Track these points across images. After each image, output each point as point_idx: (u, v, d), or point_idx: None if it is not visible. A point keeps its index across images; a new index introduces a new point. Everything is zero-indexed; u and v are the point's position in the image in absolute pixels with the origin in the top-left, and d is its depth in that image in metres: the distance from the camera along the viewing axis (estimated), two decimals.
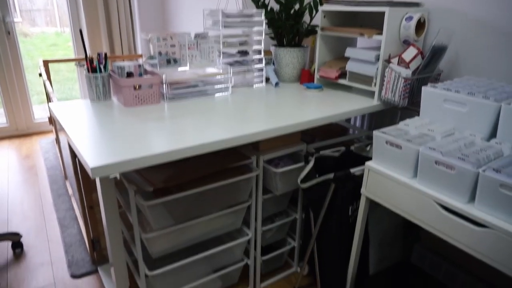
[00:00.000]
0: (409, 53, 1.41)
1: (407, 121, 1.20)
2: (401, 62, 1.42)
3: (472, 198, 0.92)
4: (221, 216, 1.36)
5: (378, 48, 1.53)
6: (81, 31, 1.47)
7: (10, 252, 1.82)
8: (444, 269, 1.30)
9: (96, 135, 1.11)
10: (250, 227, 1.47)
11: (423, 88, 1.20)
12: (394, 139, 1.06)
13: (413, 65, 1.41)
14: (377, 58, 1.49)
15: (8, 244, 1.86)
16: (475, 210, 0.90)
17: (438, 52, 1.41)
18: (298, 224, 1.61)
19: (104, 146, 1.03)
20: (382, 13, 1.42)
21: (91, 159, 0.94)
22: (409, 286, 1.24)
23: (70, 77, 6.57)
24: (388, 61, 1.45)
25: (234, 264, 1.51)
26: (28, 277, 1.65)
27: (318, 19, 1.72)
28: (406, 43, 1.48)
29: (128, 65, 1.45)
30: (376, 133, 1.12)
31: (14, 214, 2.14)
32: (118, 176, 1.22)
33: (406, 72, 1.39)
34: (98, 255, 1.74)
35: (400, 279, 1.27)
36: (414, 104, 1.53)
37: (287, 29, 1.80)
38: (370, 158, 1.18)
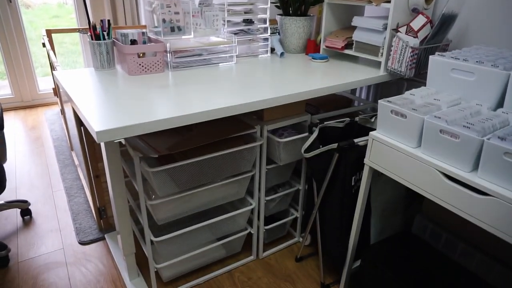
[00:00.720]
0: (418, 21, 1.37)
1: (413, 90, 1.18)
2: (409, 31, 1.39)
3: (475, 167, 0.92)
4: (225, 185, 1.37)
5: (386, 17, 1.49)
6: None
7: (19, 218, 1.86)
8: (444, 238, 1.32)
9: (101, 102, 1.11)
10: (254, 197, 1.49)
11: (431, 57, 1.18)
12: (399, 108, 1.06)
13: (422, 34, 1.38)
14: (385, 27, 1.45)
15: (17, 211, 1.90)
16: (478, 179, 0.90)
17: (447, 20, 1.38)
18: (301, 195, 1.63)
19: (109, 112, 1.03)
20: None
21: (97, 124, 0.94)
22: (409, 255, 1.26)
23: (74, 49, 6.52)
24: (396, 30, 1.42)
25: (237, 233, 1.54)
26: (37, 242, 1.70)
27: None
28: (415, 12, 1.44)
29: (131, 32, 1.43)
30: (381, 102, 1.11)
31: (22, 183, 2.18)
32: (123, 141, 1.23)
33: (414, 41, 1.36)
34: (104, 223, 1.78)
35: (400, 248, 1.29)
36: (421, 76, 1.51)
37: None
38: (374, 129, 1.17)
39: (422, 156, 1.01)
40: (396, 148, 1.08)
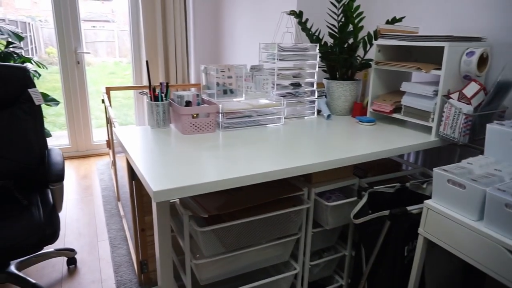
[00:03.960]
0: (471, 88, 1.36)
1: (471, 159, 1.14)
2: (461, 97, 1.37)
3: None
4: (270, 247, 1.34)
5: (435, 83, 1.50)
6: (147, 62, 1.58)
7: (65, 267, 1.91)
8: None
9: (157, 160, 1.16)
10: (298, 260, 1.44)
11: (488, 126, 1.15)
12: (457, 178, 1.02)
13: (475, 101, 1.35)
14: (436, 93, 1.45)
15: (63, 259, 1.96)
16: None
17: (503, 88, 1.35)
18: (347, 261, 1.55)
19: (164, 171, 1.08)
20: (440, 48, 1.40)
21: (154, 183, 0.98)
22: None
23: (126, 103, 7.01)
24: (447, 96, 1.41)
25: None
26: None
27: (371, 53, 1.73)
28: (467, 79, 1.43)
29: (187, 94, 1.52)
30: (436, 170, 1.07)
31: (70, 231, 2.26)
32: (177, 201, 1.26)
33: (468, 108, 1.34)
34: (145, 277, 1.78)
35: None
36: (475, 142, 1.46)
37: (340, 62, 1.82)
38: (427, 196, 1.13)
39: (485, 230, 0.94)
40: (454, 220, 1.02)
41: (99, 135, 3.76)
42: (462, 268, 1.36)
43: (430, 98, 1.48)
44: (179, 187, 0.98)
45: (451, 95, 1.41)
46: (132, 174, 1.61)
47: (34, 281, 1.65)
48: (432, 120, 1.47)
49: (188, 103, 1.52)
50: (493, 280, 1.25)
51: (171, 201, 1.31)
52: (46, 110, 6.01)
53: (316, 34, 1.88)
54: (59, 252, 1.88)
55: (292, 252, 1.43)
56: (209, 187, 1.03)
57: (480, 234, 0.95)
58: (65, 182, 3.01)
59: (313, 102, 1.80)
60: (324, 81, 1.90)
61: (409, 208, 1.23)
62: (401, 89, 1.59)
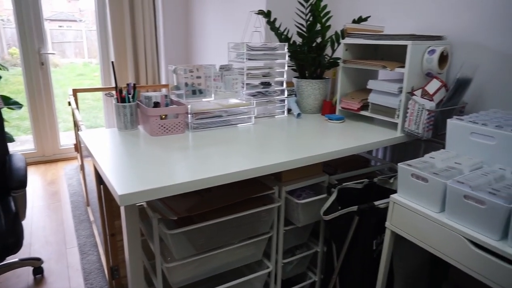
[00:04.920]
0: (433, 85, 1.41)
1: (433, 153, 1.18)
2: (424, 94, 1.42)
3: (505, 235, 0.89)
4: (242, 247, 1.34)
5: (400, 80, 1.54)
6: (113, 64, 1.54)
7: (31, 277, 1.83)
8: None
9: (124, 163, 1.14)
10: (271, 259, 1.44)
11: (449, 121, 1.19)
12: (420, 172, 1.05)
13: (437, 97, 1.40)
14: (400, 90, 1.49)
15: (29, 269, 1.88)
16: (508, 248, 0.86)
17: (462, 84, 1.41)
18: (319, 257, 1.57)
19: (131, 174, 1.05)
20: (404, 46, 1.44)
21: (120, 186, 0.96)
22: None
23: (95, 105, 6.82)
24: (411, 93, 1.46)
25: None
26: None
27: (339, 52, 1.76)
28: (429, 76, 1.48)
29: (155, 95, 1.50)
30: (401, 165, 1.11)
31: (36, 240, 2.17)
32: (145, 204, 1.23)
33: (430, 104, 1.38)
34: (116, 283, 1.74)
35: None
36: (438, 137, 1.51)
37: (309, 61, 1.84)
38: (394, 191, 1.16)
39: (447, 221, 0.98)
40: (418, 213, 1.05)
41: (67, 139, 3.63)
42: (429, 259, 1.41)
43: (395, 95, 1.52)
44: (146, 190, 0.96)
45: (415, 92, 1.45)
46: (100, 178, 1.56)
47: None
48: (398, 117, 1.52)
49: (157, 104, 1.49)
50: (456, 269, 1.30)
51: (139, 204, 1.29)
52: (9, 114, 5.75)
53: (285, 33, 1.89)
54: (24, 262, 1.81)
55: (265, 250, 1.43)
56: (178, 188, 1.01)
57: (443, 225, 0.99)
58: (31, 188, 2.89)
59: (283, 101, 1.81)
60: (294, 80, 1.92)
61: (376, 203, 1.26)
62: (368, 87, 1.63)
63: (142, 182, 0.99)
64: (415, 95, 1.44)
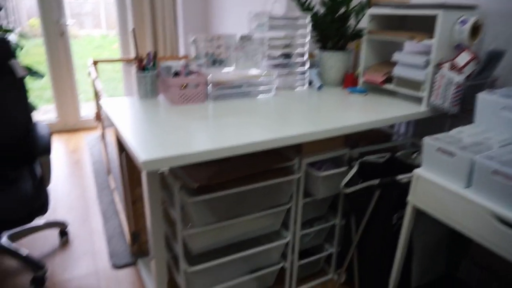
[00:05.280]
0: (463, 58, 1.35)
1: (460, 128, 1.14)
2: (453, 67, 1.36)
3: None
4: (261, 217, 1.36)
5: (426, 53, 1.48)
6: (134, 31, 1.53)
7: (57, 239, 1.91)
8: (495, 287, 1.23)
9: (145, 131, 1.14)
10: (289, 230, 1.46)
11: (479, 95, 1.15)
12: (446, 147, 1.02)
13: (467, 71, 1.35)
14: (427, 63, 1.44)
15: (56, 232, 1.96)
16: None
17: (494, 57, 1.34)
18: (337, 230, 1.58)
19: (153, 141, 1.06)
20: (432, 18, 1.37)
21: (142, 153, 0.97)
22: None
23: (114, 77, 6.87)
24: (439, 66, 1.40)
25: (270, 266, 1.50)
26: (72, 265, 1.73)
27: (363, 23, 1.69)
28: (459, 48, 1.42)
29: (175, 65, 1.49)
30: (426, 139, 1.08)
31: (61, 205, 2.25)
32: (167, 171, 1.25)
33: (459, 78, 1.33)
34: (137, 248, 1.80)
35: None
36: (465, 112, 1.46)
37: (332, 32, 1.78)
38: (416, 166, 1.14)
39: (473, 197, 0.96)
40: (443, 188, 1.03)
41: (87, 110, 3.69)
42: (449, 236, 1.40)
43: (422, 68, 1.46)
44: (168, 157, 0.97)
45: (443, 65, 1.40)
46: (121, 147, 1.59)
47: (26, 253, 1.65)
48: (423, 91, 1.47)
49: (177, 74, 1.48)
50: (478, 246, 1.29)
51: (160, 171, 1.31)
52: (32, 84, 5.85)
53: (307, 3, 1.83)
54: (50, 225, 1.89)
55: (284, 221, 1.45)
56: (199, 156, 1.02)
57: (468, 201, 0.97)
58: (54, 156, 2.97)
59: (304, 73, 1.77)
60: (316, 51, 1.87)
61: (398, 177, 1.24)
62: (393, 59, 1.57)
63: (164, 149, 1.00)
64: (443, 68, 1.39)
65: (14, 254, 1.65)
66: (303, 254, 1.58)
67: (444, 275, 1.38)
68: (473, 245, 1.31)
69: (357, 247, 1.39)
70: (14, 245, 1.70)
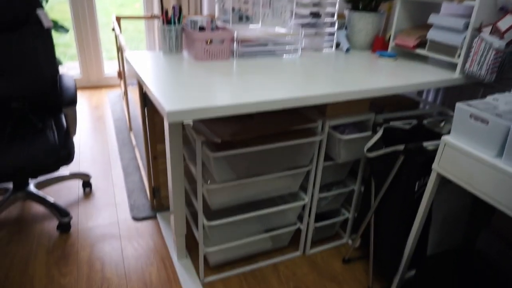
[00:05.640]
0: (506, 21, 1.26)
1: (497, 95, 1.09)
2: (494, 31, 1.28)
3: None
4: (280, 177, 1.36)
5: (466, 15, 1.39)
6: None
7: (81, 190, 1.98)
8: None
9: (170, 84, 1.14)
10: (307, 192, 1.46)
11: None
12: (480, 113, 0.98)
13: (508, 36, 1.26)
14: (466, 26, 1.35)
15: (79, 183, 2.03)
16: None
17: None
18: (355, 196, 1.57)
19: (177, 94, 1.05)
20: None
21: (167, 103, 0.97)
22: (473, 273, 1.17)
23: (136, 36, 6.83)
24: (479, 29, 1.32)
25: (286, 227, 1.52)
26: (95, 214, 1.80)
27: None
28: (503, 10, 1.32)
29: (201, 19, 1.45)
30: (459, 105, 1.03)
31: (84, 157, 2.32)
32: (190, 125, 1.25)
33: (499, 43, 1.25)
34: (157, 203, 1.85)
35: (463, 264, 1.20)
36: (502, 82, 1.39)
37: None
38: (442, 135, 1.10)
39: (504, 167, 0.92)
40: (472, 156, 1.00)
41: (110, 68, 3.70)
42: (470, 205, 1.37)
43: (460, 32, 1.38)
44: (192, 109, 0.96)
45: (483, 29, 1.31)
46: (144, 100, 1.59)
47: (52, 200, 1.72)
48: (459, 56, 1.39)
49: (202, 29, 1.45)
50: (500, 217, 1.27)
51: (184, 123, 1.31)
52: (56, 39, 5.88)
53: None
54: (74, 175, 1.95)
55: (302, 184, 1.45)
56: (223, 110, 1.01)
57: (499, 171, 0.93)
58: (78, 111, 3.03)
59: (333, 34, 1.71)
60: (346, 12, 1.79)
61: (425, 143, 1.21)
62: (429, 21, 1.49)
63: (188, 102, 0.99)
64: (483, 32, 1.30)
65: (42, 200, 1.72)
66: (319, 217, 1.59)
67: (462, 245, 1.37)
68: (496, 216, 1.28)
69: (375, 213, 1.39)
70: (40, 192, 1.77)
